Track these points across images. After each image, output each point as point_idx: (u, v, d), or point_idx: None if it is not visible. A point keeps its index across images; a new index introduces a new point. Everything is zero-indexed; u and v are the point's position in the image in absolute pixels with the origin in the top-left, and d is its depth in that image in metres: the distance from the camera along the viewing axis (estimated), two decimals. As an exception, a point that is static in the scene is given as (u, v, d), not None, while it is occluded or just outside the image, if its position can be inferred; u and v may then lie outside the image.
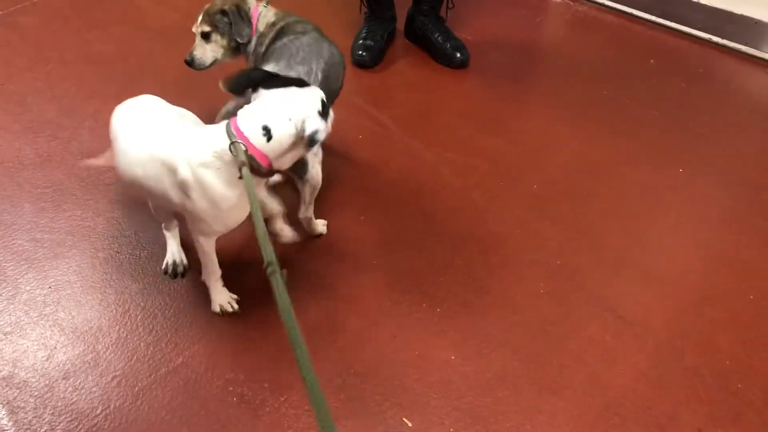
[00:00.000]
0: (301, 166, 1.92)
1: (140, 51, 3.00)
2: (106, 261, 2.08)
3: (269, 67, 1.96)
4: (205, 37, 2.19)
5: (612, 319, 1.93)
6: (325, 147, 2.46)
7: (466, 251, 2.15)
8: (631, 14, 3.37)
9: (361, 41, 3.00)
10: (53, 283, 2.02)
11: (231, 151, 1.58)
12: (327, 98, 1.74)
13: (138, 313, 1.93)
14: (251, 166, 1.57)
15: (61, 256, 2.11)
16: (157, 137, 1.72)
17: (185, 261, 2.07)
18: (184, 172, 1.64)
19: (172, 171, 1.66)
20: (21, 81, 2.81)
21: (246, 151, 1.58)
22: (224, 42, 2.19)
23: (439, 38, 2.97)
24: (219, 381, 1.76)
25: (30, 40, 3.07)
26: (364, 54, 2.95)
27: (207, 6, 2.18)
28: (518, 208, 2.31)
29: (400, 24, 3.15)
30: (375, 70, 2.97)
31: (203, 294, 1.95)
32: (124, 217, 2.23)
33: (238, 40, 2.17)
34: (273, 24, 2.15)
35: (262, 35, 2.16)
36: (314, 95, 1.67)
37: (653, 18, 3.31)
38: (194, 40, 2.21)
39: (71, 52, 2.99)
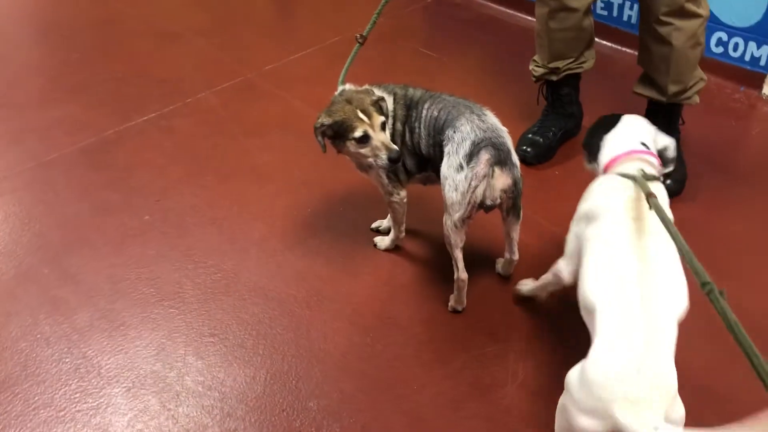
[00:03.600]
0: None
1: (303, 162, 2.69)
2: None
3: (460, 124, 1.88)
4: (383, 127, 1.95)
5: None
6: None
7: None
8: None
9: (529, 135, 2.72)
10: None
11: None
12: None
13: None
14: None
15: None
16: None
17: None
18: None
19: None
20: (177, 196, 2.54)
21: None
22: (388, 128, 2.00)
23: None
24: None
25: (184, 146, 2.83)
26: (528, 149, 2.68)
27: (354, 105, 1.93)
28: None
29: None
30: (568, 191, 2.55)
31: None
32: (304, 385, 1.86)
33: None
34: (395, 98, 2.04)
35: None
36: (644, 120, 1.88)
37: None
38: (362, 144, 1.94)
39: (228, 162, 2.72)
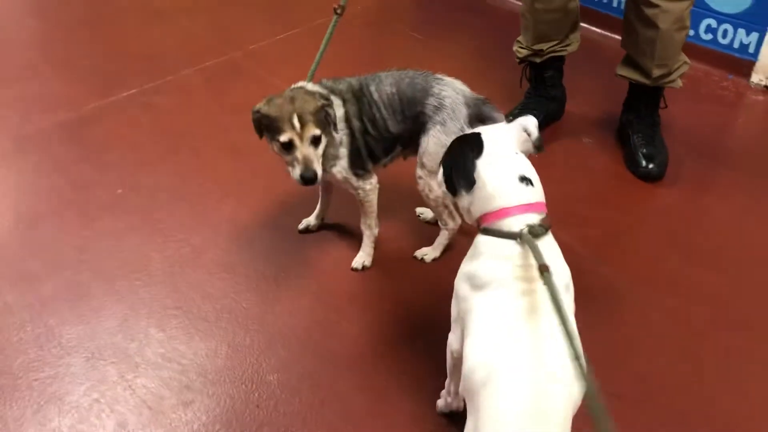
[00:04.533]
0: None
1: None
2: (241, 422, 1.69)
3: (439, 90, 1.89)
4: (315, 142, 1.79)
5: None
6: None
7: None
8: None
9: (510, 117, 2.61)
10: (178, 445, 1.64)
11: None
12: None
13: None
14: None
15: (190, 405, 1.72)
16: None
17: None
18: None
19: None
20: (151, 172, 2.51)
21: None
22: (326, 142, 1.83)
23: (637, 139, 2.50)
24: None
25: (162, 123, 2.80)
26: None
27: (288, 108, 1.76)
28: (763, 377, 1.78)
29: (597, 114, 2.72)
30: (550, 176, 2.52)
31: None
32: (265, 359, 1.84)
33: (334, 133, 1.85)
34: (343, 99, 1.92)
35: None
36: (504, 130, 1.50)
37: None
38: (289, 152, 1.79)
39: (205, 139, 2.69)
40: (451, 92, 1.88)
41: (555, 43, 2.59)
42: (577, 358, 1.02)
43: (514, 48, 2.69)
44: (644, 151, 2.46)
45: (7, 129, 2.74)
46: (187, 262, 2.13)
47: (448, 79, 1.93)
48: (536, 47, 2.60)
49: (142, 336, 1.90)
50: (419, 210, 2.29)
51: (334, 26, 2.09)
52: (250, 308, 1.98)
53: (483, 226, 1.40)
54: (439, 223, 2.09)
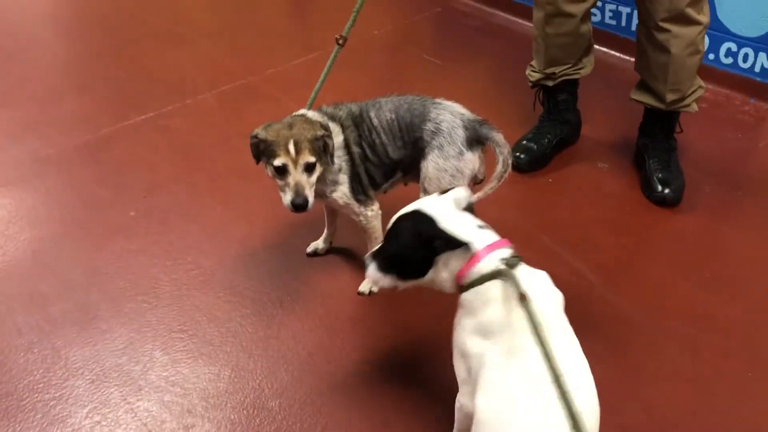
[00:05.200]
0: None
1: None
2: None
3: (436, 115, 1.87)
4: (309, 169, 1.78)
5: None
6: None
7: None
8: None
9: (524, 141, 2.66)
10: (179, 470, 1.62)
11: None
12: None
13: None
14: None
15: (190, 430, 1.71)
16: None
17: None
18: None
19: None
20: (165, 194, 2.53)
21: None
22: (320, 170, 1.82)
23: (653, 164, 2.46)
24: None
25: (178, 145, 2.83)
26: (522, 155, 2.60)
27: (285, 133, 1.77)
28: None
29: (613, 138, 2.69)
30: (563, 201, 2.50)
31: None
32: (268, 384, 1.83)
33: (331, 163, 1.85)
34: (342, 126, 1.91)
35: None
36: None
37: None
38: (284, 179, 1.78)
39: (220, 162, 2.71)
40: (448, 116, 1.87)
41: (567, 66, 2.57)
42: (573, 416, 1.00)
43: (527, 72, 2.68)
44: (660, 176, 2.42)
45: (27, 150, 2.80)
46: (195, 285, 2.14)
47: (447, 103, 1.92)
48: (548, 71, 2.58)
49: (147, 359, 1.90)
50: None
51: (335, 56, 2.09)
52: (255, 332, 1.98)
53: (460, 282, 1.40)
54: None
